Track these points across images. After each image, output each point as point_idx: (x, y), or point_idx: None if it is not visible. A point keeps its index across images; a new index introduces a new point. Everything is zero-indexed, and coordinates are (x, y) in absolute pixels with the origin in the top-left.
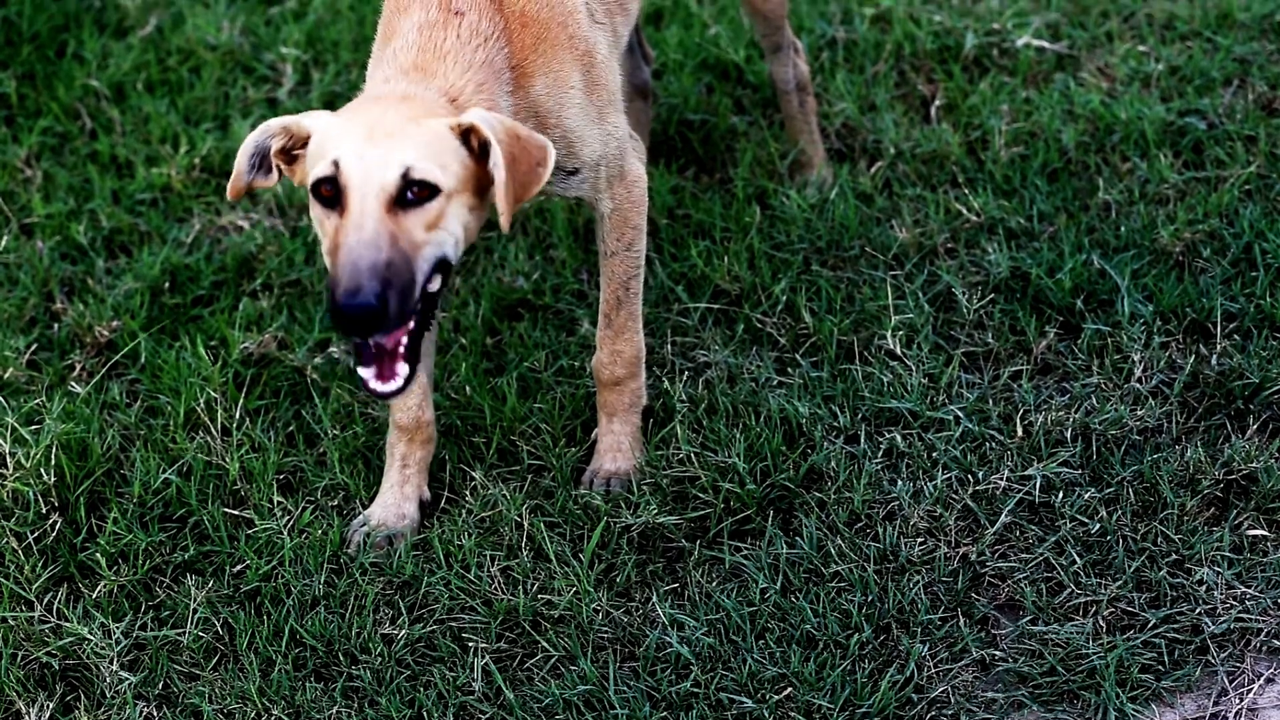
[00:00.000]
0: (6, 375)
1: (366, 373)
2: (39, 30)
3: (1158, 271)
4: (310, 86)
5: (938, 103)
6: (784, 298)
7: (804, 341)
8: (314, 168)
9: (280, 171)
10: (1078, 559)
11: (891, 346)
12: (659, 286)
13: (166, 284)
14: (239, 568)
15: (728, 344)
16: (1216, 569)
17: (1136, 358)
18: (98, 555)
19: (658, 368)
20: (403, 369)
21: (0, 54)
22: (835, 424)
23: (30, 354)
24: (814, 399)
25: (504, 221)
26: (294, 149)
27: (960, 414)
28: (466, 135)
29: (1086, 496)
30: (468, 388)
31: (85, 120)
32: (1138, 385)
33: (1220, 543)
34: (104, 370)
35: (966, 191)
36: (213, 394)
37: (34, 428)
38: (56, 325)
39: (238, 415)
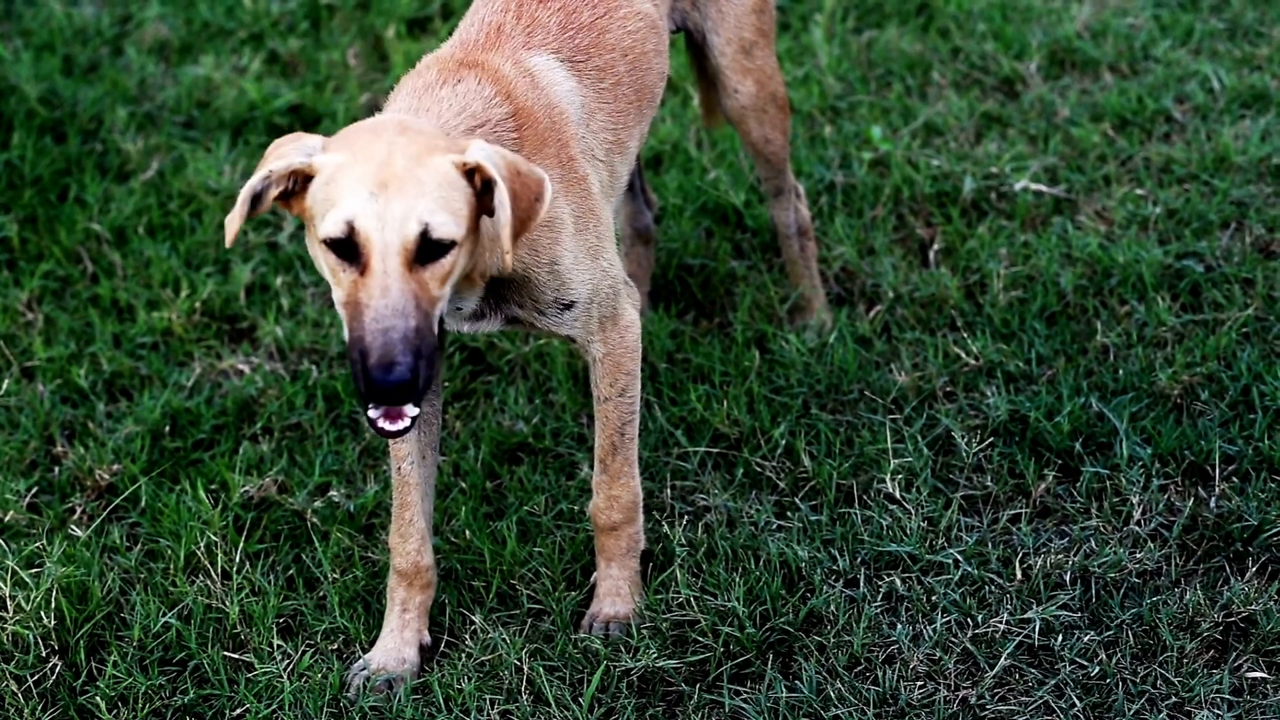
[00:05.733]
0: (7, 518)
1: (375, 413)
2: (41, 174)
3: (1156, 414)
4: None
5: (936, 246)
6: (783, 441)
7: (803, 485)
8: (324, 218)
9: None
10: (1077, 702)
11: (891, 490)
12: (658, 430)
13: (167, 428)
14: (239, 712)
15: (727, 488)
16: (1217, 712)
17: (1135, 500)
18: (98, 699)
19: (657, 511)
20: (411, 410)
21: (2, 197)
22: (835, 568)
23: (31, 497)
24: (813, 543)
25: (508, 257)
26: (296, 188)
27: (959, 557)
28: (470, 173)
29: (1086, 639)
30: (467, 531)
31: (87, 264)
32: (1137, 528)
33: (1220, 685)
34: (104, 514)
35: (965, 335)
36: (213, 538)
37: (34, 571)
38: (57, 469)
39: (238, 559)
